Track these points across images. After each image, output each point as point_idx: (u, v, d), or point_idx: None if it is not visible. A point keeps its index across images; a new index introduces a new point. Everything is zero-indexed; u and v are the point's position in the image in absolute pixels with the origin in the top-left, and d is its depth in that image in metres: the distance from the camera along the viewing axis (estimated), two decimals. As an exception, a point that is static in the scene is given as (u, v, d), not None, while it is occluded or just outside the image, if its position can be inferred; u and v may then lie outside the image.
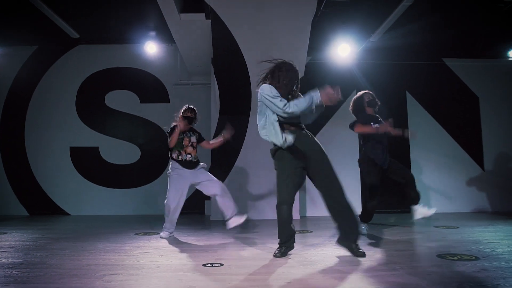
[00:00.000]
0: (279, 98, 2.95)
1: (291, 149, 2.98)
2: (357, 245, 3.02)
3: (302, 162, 3.03)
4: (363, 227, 4.23)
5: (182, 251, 3.40)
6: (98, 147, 6.94)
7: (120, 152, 6.95)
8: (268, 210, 5.81)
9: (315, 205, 6.14)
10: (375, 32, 5.78)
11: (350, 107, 4.39)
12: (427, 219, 5.43)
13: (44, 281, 2.40)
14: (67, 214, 6.75)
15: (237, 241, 3.87)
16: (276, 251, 3.08)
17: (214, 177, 4.32)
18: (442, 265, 2.71)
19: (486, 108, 6.76)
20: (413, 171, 6.49)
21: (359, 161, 4.38)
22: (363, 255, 2.96)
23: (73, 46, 7.04)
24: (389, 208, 6.37)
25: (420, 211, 4.27)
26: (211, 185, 4.25)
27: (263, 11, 4.88)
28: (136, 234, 4.41)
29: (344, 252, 3.07)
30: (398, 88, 6.72)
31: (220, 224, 5.24)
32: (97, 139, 6.94)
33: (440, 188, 6.55)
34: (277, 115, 2.97)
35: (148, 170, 6.90)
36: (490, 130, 6.71)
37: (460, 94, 6.78)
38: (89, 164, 6.91)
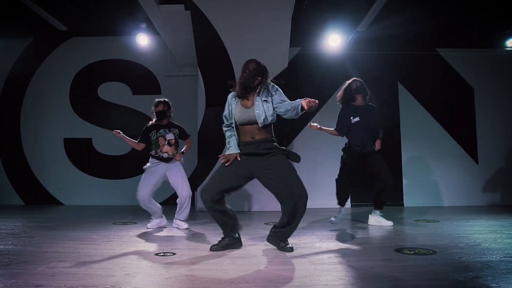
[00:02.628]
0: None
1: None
2: (285, 242, 2.99)
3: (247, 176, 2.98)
4: (336, 217, 4.16)
5: (145, 240, 3.44)
6: (91, 138, 7.06)
7: (112, 143, 7.00)
8: (252, 202, 5.83)
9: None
10: (362, 21, 5.65)
11: (339, 97, 4.25)
12: (409, 213, 5.39)
13: (-9, 267, 2.47)
14: (61, 203, 6.90)
15: (206, 232, 3.89)
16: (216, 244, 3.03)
17: (186, 180, 4.18)
18: (393, 259, 2.67)
19: (481, 100, 6.55)
20: (404, 164, 6.47)
21: (342, 149, 4.27)
22: (291, 249, 2.93)
23: (66, 39, 7.13)
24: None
25: (377, 218, 4.20)
26: (179, 188, 4.14)
27: (243, 1, 4.84)
28: (114, 223, 4.48)
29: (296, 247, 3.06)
30: (389, 79, 6.58)
31: (204, 215, 5.28)
32: (90, 131, 7.06)
33: (432, 181, 6.43)
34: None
35: (140, 160, 6.88)
36: (485, 122, 6.51)
37: (454, 85, 6.59)
38: (82, 155, 7.04)
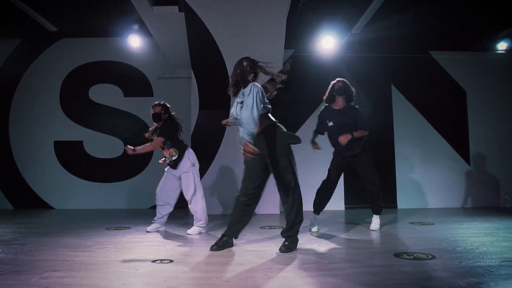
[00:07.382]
0: None
1: None
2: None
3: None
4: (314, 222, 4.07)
5: (141, 247, 3.37)
6: (82, 141, 6.94)
7: (104, 146, 6.94)
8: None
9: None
10: (356, 23, 5.65)
11: (324, 97, 4.17)
12: (403, 215, 5.40)
13: (-18, 278, 2.38)
14: (52, 208, 6.77)
15: (202, 238, 3.84)
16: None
17: (192, 183, 4.07)
18: (393, 265, 2.65)
19: (474, 102, 6.61)
20: (398, 166, 6.49)
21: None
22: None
23: (57, 40, 7.00)
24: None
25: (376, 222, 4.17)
26: (185, 190, 4.09)
27: (237, 2, 4.80)
28: (107, 228, 4.39)
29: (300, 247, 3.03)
30: (383, 81, 6.61)
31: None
32: (81, 133, 6.94)
33: (425, 184, 6.46)
34: None
35: (132, 164, 6.88)
36: (477, 124, 6.57)
37: (447, 87, 6.63)
38: (73, 158, 6.91)
